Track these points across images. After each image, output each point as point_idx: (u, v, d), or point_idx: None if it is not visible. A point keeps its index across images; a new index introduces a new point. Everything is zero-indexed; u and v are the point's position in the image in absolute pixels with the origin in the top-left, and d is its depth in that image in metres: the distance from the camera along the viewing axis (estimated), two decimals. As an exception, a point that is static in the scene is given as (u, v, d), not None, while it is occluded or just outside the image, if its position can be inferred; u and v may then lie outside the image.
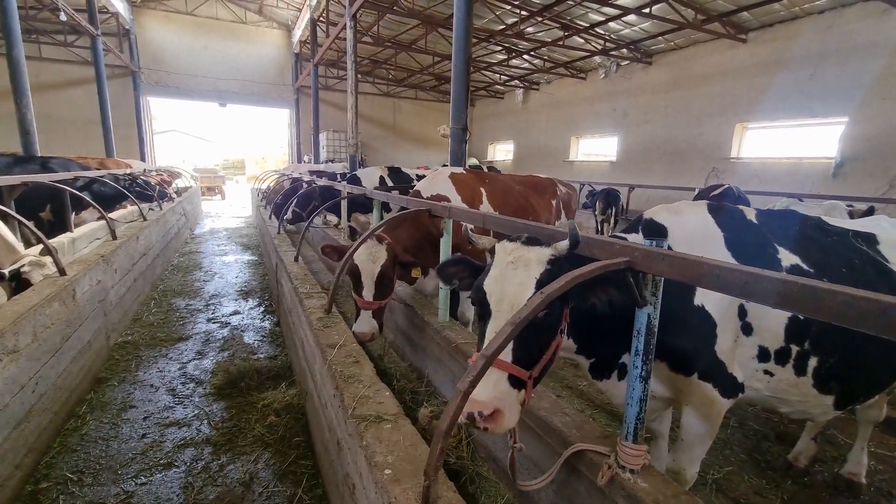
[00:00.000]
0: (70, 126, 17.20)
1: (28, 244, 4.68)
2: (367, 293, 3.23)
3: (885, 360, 2.18)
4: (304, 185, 8.69)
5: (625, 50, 13.74)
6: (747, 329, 2.02)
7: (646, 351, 1.68)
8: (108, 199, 7.55)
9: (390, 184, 8.68)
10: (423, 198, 4.15)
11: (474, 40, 14.86)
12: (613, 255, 1.61)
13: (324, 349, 2.51)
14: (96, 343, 4.15)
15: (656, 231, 2.07)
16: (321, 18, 15.63)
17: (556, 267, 1.64)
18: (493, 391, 1.51)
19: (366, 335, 3.20)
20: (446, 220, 3.29)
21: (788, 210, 2.45)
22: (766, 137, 11.66)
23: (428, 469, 1.40)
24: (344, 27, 10.69)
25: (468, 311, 4.33)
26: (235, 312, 5.98)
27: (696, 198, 8.84)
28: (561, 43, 13.34)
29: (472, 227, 2.41)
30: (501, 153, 23.44)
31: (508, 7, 12.38)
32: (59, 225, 6.44)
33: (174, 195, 11.00)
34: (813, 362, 2.06)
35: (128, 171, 9.26)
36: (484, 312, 1.68)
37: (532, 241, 1.70)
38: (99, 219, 6.63)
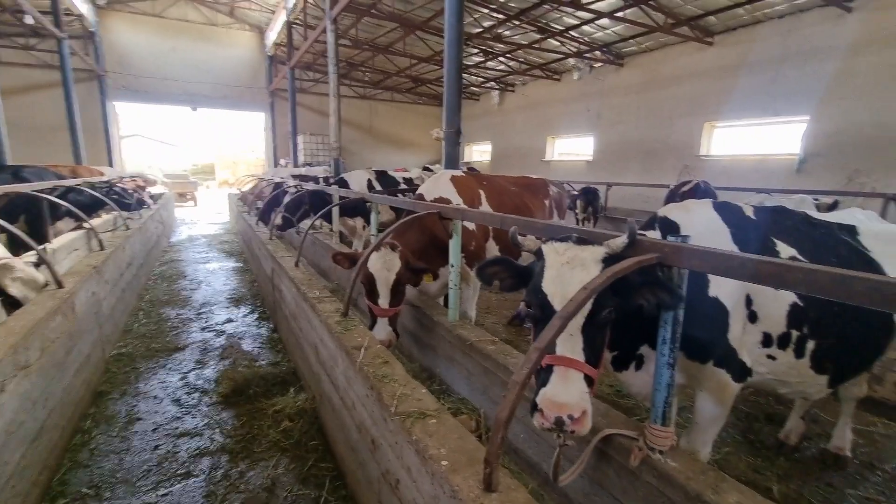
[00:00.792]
0: (34, 133, 16.42)
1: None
2: (383, 301, 3.30)
3: (870, 339, 2.40)
4: (292, 190, 8.62)
5: (598, 52, 14.15)
6: (753, 317, 2.19)
7: (672, 339, 1.83)
8: (86, 207, 7.29)
9: (378, 187, 8.72)
10: (426, 200, 4.23)
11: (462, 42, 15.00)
12: (644, 251, 1.75)
13: (349, 351, 2.56)
14: (94, 356, 4.06)
15: (670, 228, 2.22)
16: (297, 21, 15.47)
17: (610, 265, 1.70)
18: (577, 393, 1.57)
19: (384, 342, 3.26)
20: (456, 222, 3.39)
21: (779, 206, 2.65)
22: (733, 136, 12.24)
23: (489, 457, 1.49)
24: (323, 30, 10.63)
25: (470, 309, 4.44)
26: (229, 320, 5.91)
27: (669, 195, 9.20)
28: (537, 45, 13.64)
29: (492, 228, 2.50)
30: (478, 154, 23.68)
31: (486, 11, 12.57)
32: (34, 236, 6.19)
33: (152, 202, 10.69)
34: (810, 345, 2.25)
35: (102, 178, 8.96)
36: (545, 314, 1.72)
37: (582, 241, 1.79)
38: (75, 229, 6.43)
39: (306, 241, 7.57)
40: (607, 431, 2.03)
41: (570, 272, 1.72)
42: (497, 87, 20.08)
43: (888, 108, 8.92)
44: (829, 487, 3.03)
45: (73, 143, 13.78)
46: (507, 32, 14.19)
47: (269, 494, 2.83)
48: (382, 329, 3.33)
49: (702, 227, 2.26)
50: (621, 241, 1.74)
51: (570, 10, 11.53)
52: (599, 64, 15.09)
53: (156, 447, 3.27)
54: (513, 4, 12.33)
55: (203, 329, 5.61)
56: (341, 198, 5.93)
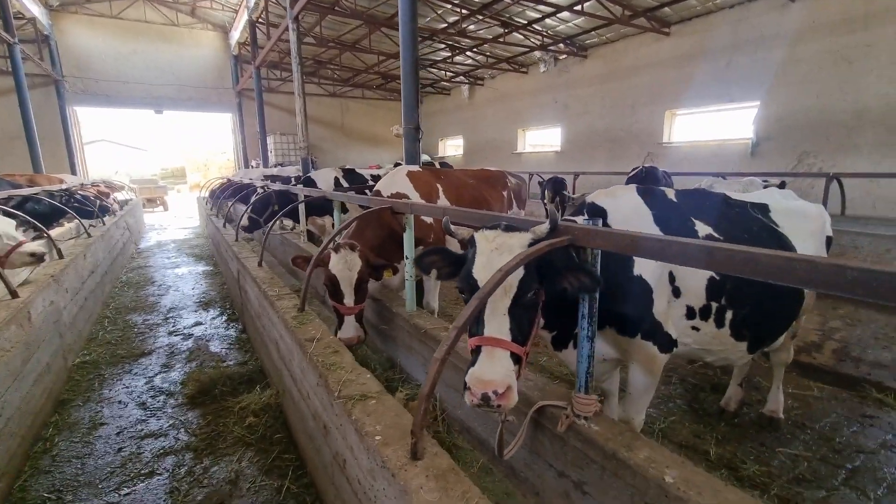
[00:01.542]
0: (-14, 142, 15.86)
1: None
2: (348, 300, 3.40)
3: (781, 307, 2.63)
4: (259, 191, 8.59)
5: (562, 45, 14.39)
6: (676, 292, 2.37)
7: (590, 314, 1.98)
8: (45, 216, 7.14)
9: (345, 185, 8.74)
10: (383, 196, 4.33)
11: (417, 39, 15.03)
12: (560, 236, 1.89)
13: (303, 344, 2.66)
14: (55, 365, 4.04)
15: (598, 213, 2.38)
16: (260, 20, 15.25)
17: None
18: (502, 370, 1.66)
19: (353, 339, 3.36)
20: (408, 215, 3.50)
21: (700, 189, 2.85)
22: (692, 122, 12.64)
23: (414, 428, 1.62)
24: (286, 29, 10.55)
25: (433, 301, 4.57)
26: (197, 323, 5.91)
27: (628, 180, 9.50)
28: (502, 39, 13.79)
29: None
30: (452, 148, 23.78)
31: (449, 6, 12.65)
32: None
33: (116, 207, 10.48)
34: (729, 315, 2.45)
35: (62, 186, 8.75)
36: None
37: (510, 228, 1.89)
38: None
39: (276, 241, 7.60)
40: (541, 403, 2.19)
41: (497, 258, 1.81)
42: (466, 81, 20.18)
43: (830, 93, 9.38)
44: (761, 447, 3.26)
45: (30, 151, 13.33)
46: (472, 27, 14.30)
47: (232, 487, 2.91)
48: (351, 327, 3.42)
49: (627, 211, 2.42)
50: (544, 227, 1.87)
51: (531, 3, 11.70)
52: (564, 56, 15.34)
53: (119, 449, 3.31)
54: (476, -1, 12.46)
55: (170, 333, 5.60)
56: (306, 196, 5.97)
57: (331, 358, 2.42)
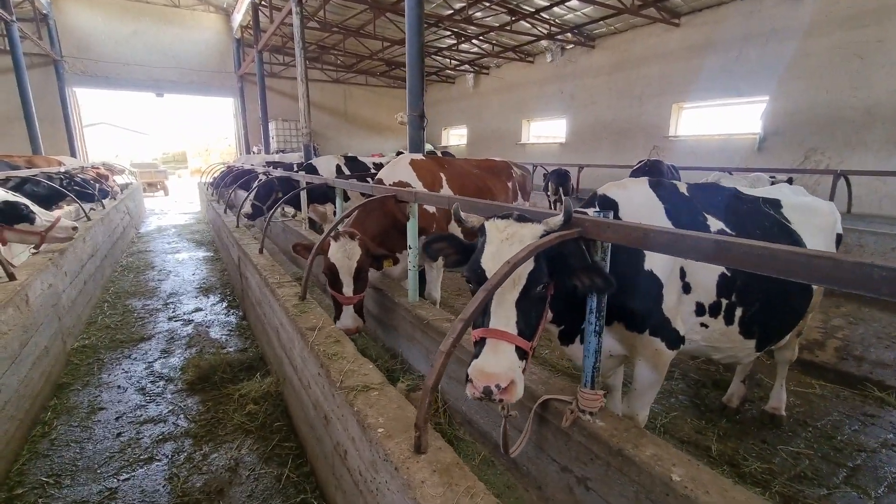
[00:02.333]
0: (-16, 122, 15.71)
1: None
2: (347, 289, 3.36)
3: (790, 305, 2.58)
4: (261, 177, 8.50)
5: (569, 34, 14.18)
6: (687, 288, 2.33)
7: (598, 309, 1.94)
8: (44, 199, 7.07)
9: (347, 172, 8.66)
10: (385, 185, 4.27)
11: (423, 24, 14.81)
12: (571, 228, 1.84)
13: (304, 333, 2.62)
14: (54, 348, 4.02)
15: (608, 205, 2.33)
16: (263, 2, 15.01)
17: None
18: (506, 363, 1.61)
19: (351, 329, 3.33)
20: (412, 204, 3.45)
21: (711, 183, 2.79)
22: (699, 116, 12.50)
23: (418, 421, 1.59)
24: (289, 12, 10.38)
25: (435, 290, 4.53)
26: (197, 309, 5.88)
27: (633, 173, 9.40)
28: (508, 28, 13.57)
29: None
30: (455, 138, 23.59)
31: (456, -8, 12.44)
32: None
33: (117, 191, 10.41)
34: (738, 312, 2.41)
35: (61, 168, 8.67)
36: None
37: (523, 219, 1.83)
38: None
39: (278, 228, 7.56)
40: (545, 397, 2.16)
41: (508, 248, 1.76)
42: (472, 69, 19.95)
43: (840, 88, 9.25)
44: (763, 444, 3.25)
45: (29, 132, 13.20)
46: (479, 14, 14.08)
47: (231, 474, 2.90)
48: (349, 317, 3.39)
49: (639, 204, 2.37)
50: (558, 219, 1.81)
51: (539, -9, 11.50)
52: (571, 46, 15.13)
53: (118, 434, 3.30)
54: (482, -15, 12.24)
55: (170, 319, 5.58)
56: (308, 183, 5.90)
57: (332, 348, 2.39)
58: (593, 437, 1.93)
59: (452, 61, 19.63)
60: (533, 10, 13.01)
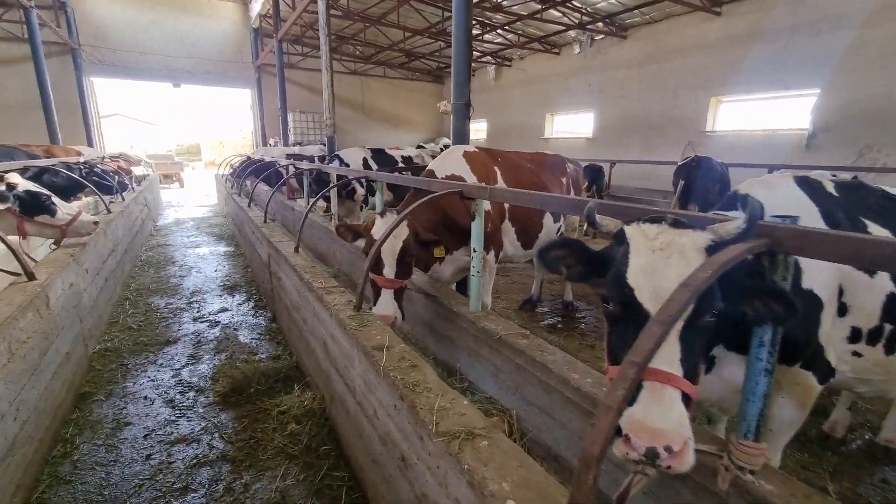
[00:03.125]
0: (4, 112, 15.50)
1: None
2: (389, 270, 2.99)
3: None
4: (285, 169, 8.14)
5: (600, 24, 13.58)
6: (842, 310, 1.90)
7: (772, 343, 1.51)
8: (63, 190, 6.77)
9: (374, 165, 8.27)
10: (436, 178, 3.86)
11: (447, 14, 14.32)
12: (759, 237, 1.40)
13: (369, 353, 2.22)
14: (75, 354, 3.68)
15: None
16: (283, -10, 14.62)
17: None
18: (676, 418, 1.22)
19: (388, 318, 2.95)
20: (479, 202, 3.03)
21: (858, 181, 2.34)
22: (740, 110, 11.87)
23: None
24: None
25: (486, 296, 4.12)
26: (223, 309, 5.53)
27: (678, 170, 8.84)
28: (539, 16, 13.02)
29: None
30: (474, 132, 23.07)
31: (485, -23, 11.92)
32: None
33: (135, 184, 10.13)
34: None
35: (81, 158, 8.38)
36: (630, 313, 1.40)
37: (679, 224, 1.43)
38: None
39: (298, 224, 7.15)
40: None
41: (664, 262, 1.37)
42: (493, 61, 19.39)
43: (904, 80, 8.62)
44: (884, 484, 2.81)
45: (47, 121, 12.96)
46: (506, 2, 13.53)
47: (278, 511, 2.52)
48: (388, 303, 3.02)
49: (789, 205, 1.93)
50: (734, 226, 1.38)
51: (573, -24, 10.94)
52: (601, 36, 14.53)
53: (148, 456, 2.94)
54: (513, -29, 11.70)
55: (195, 319, 5.23)
56: (339, 177, 5.50)
57: (411, 375, 1.98)
58: (763, 505, 1.50)
59: (474, 52, 19.07)
60: (564, -3, 12.46)
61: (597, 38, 14.79)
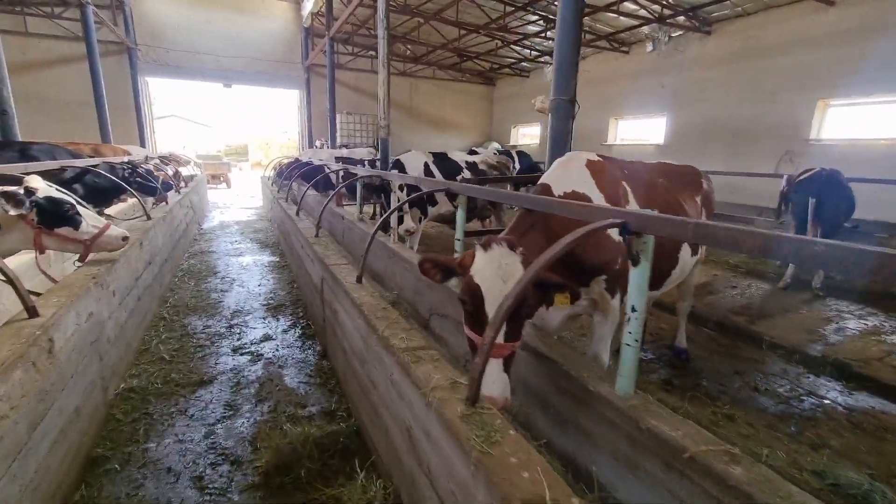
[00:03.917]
0: (62, 108, 15.73)
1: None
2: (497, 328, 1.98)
3: None
4: (332, 175, 7.39)
5: (682, 18, 12.21)
6: None
7: None
8: (103, 193, 6.25)
9: (437, 172, 7.39)
10: (553, 195, 2.87)
11: (510, 8, 13.34)
12: None
13: (496, 482, 1.25)
14: (88, 406, 2.92)
15: None
16: (337, -14, 14.08)
17: None
18: None
19: (498, 401, 1.97)
20: (647, 238, 2.01)
21: None
22: (852, 116, 10.23)
23: None
24: (370, -10, 9.20)
25: (604, 352, 3.08)
26: (267, 338, 4.74)
27: (788, 183, 7.50)
28: (615, 7, 11.80)
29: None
30: (526, 137, 21.94)
31: (555, -33, 10.85)
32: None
33: (182, 185, 9.71)
34: None
35: (125, 158, 7.94)
36: None
37: None
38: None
39: (355, 235, 6.31)
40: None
41: None
42: (551, 61, 18.20)
43: None
44: None
45: (99, 119, 12.91)
46: (574, -4, 12.39)
47: None
48: (498, 379, 2.01)
49: None
50: None
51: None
52: (679, 32, 13.12)
53: (162, 582, 2.09)
54: (587, -41, 10.56)
55: (235, 350, 4.46)
56: (410, 188, 4.60)
57: None
58: None
59: (532, 52, 18.00)
60: (643, -12, 11.21)
61: (674, 34, 13.39)
